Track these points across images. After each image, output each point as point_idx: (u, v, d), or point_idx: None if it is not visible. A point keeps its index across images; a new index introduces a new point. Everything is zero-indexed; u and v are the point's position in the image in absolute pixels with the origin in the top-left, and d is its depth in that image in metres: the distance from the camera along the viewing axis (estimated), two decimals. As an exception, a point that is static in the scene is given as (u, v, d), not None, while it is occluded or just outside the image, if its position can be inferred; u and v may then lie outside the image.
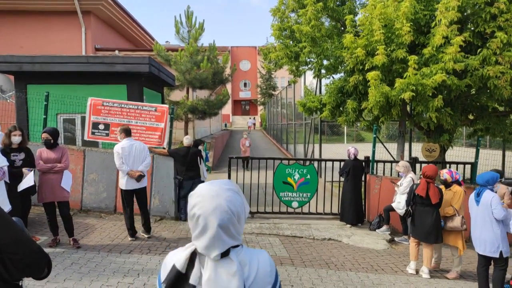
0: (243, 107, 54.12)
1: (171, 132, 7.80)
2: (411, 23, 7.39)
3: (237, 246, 1.34)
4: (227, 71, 17.66)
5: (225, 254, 1.30)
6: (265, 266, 1.36)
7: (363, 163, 8.11)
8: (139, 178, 6.04)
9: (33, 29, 14.53)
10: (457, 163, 9.08)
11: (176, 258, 1.33)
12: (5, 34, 14.33)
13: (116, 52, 15.34)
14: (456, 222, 5.42)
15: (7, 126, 5.97)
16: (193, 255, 1.32)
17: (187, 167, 7.49)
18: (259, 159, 8.41)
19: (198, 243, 1.31)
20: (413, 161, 8.60)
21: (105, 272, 4.69)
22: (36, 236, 5.77)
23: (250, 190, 8.32)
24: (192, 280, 1.29)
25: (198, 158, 7.77)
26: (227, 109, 41.35)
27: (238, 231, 1.34)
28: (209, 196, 1.31)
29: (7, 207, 4.70)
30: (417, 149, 9.66)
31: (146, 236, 6.29)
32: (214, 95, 18.38)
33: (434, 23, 7.42)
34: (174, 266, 1.32)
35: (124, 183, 6.01)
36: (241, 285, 1.27)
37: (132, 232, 6.17)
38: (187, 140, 7.83)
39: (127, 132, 6.15)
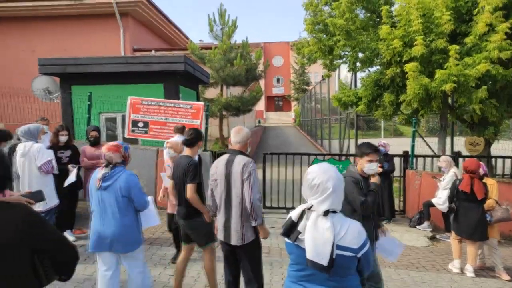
0: (276, 103, 54.00)
1: (206, 129, 7.95)
2: (451, 11, 7.10)
3: (335, 213, 1.94)
4: (260, 67, 17.67)
5: (325, 214, 1.90)
6: (353, 231, 1.93)
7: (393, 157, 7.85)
8: None
9: (75, 33, 15.21)
10: (503, 157, 8.63)
11: (292, 213, 2.03)
12: (50, 38, 15.08)
13: (153, 52, 15.77)
14: (503, 213, 5.21)
15: (55, 125, 6.32)
16: (303, 212, 1.98)
17: None
18: (294, 154, 8.38)
19: (315, 201, 1.94)
20: (456, 156, 8.25)
21: (147, 264, 4.86)
22: (83, 229, 6.08)
23: (285, 186, 8.30)
24: (299, 228, 1.95)
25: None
26: (261, 105, 41.37)
27: (342, 196, 2.00)
28: (322, 171, 1.99)
29: (55, 201, 4.99)
30: (460, 143, 9.26)
31: None
32: (248, 91, 18.45)
33: (476, 10, 7.08)
34: (290, 218, 2.01)
35: None
36: (332, 237, 1.85)
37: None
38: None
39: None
